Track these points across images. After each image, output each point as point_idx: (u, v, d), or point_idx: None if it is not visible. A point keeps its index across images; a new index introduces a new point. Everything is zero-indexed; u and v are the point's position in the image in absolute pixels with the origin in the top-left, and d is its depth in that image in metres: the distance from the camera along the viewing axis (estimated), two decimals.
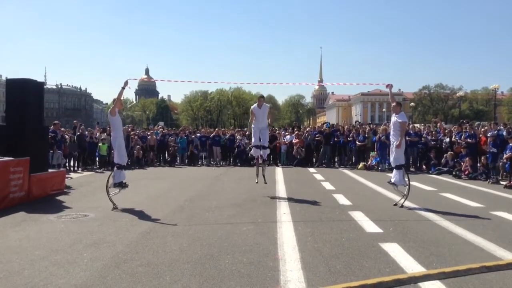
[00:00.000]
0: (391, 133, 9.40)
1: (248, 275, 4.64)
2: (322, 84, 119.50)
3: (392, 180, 9.16)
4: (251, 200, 9.73)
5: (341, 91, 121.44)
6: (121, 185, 8.72)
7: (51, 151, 14.59)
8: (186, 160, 20.82)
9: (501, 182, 12.98)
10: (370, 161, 18.33)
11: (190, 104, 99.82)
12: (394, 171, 9.22)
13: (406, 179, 8.94)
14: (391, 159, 9.31)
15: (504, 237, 6.37)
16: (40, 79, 14.62)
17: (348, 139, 19.19)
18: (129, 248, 5.72)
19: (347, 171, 17.18)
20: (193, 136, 21.44)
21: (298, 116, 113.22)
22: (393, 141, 9.14)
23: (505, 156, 13.25)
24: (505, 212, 8.33)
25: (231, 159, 20.80)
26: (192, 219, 7.67)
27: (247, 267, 4.88)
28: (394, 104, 9.29)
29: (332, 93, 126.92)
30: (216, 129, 23.48)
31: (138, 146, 19.49)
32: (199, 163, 21.00)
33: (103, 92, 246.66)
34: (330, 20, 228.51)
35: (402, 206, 8.88)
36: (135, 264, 5.00)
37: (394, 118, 9.11)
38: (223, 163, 20.72)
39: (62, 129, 20.46)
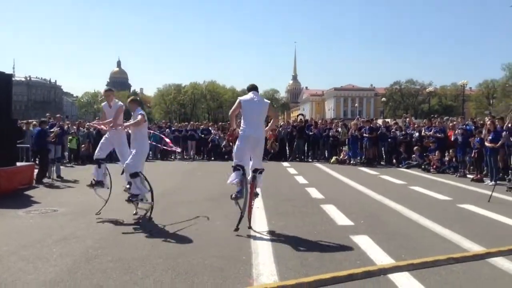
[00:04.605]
0: None
1: (221, 269, 4.65)
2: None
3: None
4: (224, 194, 9.63)
5: (314, 86, 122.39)
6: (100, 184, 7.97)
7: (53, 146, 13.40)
8: (159, 155, 20.62)
9: (468, 176, 13.36)
10: (342, 155, 18.59)
11: (163, 97, 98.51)
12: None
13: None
14: None
15: (470, 229, 6.57)
16: (8, 71, 14.18)
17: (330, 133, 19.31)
18: (100, 244, 5.64)
19: (320, 165, 17.37)
20: (166, 130, 21.23)
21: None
22: None
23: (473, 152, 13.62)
24: (471, 205, 8.59)
25: (205, 154, 20.71)
26: (165, 214, 7.61)
27: (220, 261, 4.89)
28: None
29: (306, 88, 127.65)
30: (191, 123, 23.32)
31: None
32: (172, 157, 20.84)
33: (74, 84, 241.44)
34: (304, 15, 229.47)
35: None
36: (105, 260, 4.94)
37: None
38: (197, 158, 20.62)
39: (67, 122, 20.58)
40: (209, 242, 5.71)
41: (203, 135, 20.59)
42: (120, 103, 7.76)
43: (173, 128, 22.10)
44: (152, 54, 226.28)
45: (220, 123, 26.13)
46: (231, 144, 20.49)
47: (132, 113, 7.37)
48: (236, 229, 6.21)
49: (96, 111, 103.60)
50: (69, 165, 17.30)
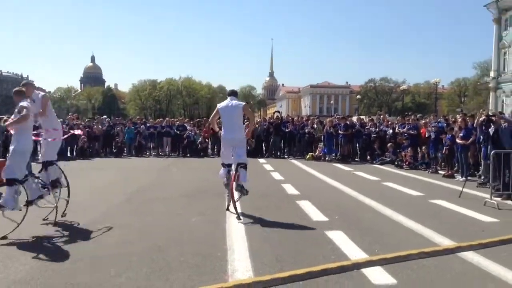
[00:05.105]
0: None
1: (196, 265, 4.63)
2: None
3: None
4: (200, 191, 9.69)
5: (291, 83, 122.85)
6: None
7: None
8: (134, 151, 20.36)
9: (440, 172, 13.66)
10: (318, 152, 18.75)
11: (138, 93, 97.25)
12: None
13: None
14: None
15: (441, 224, 6.72)
16: None
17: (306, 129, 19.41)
18: (72, 241, 5.54)
19: (295, 162, 17.47)
20: (141, 126, 20.97)
21: (249, 107, 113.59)
22: None
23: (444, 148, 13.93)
24: (443, 201, 8.78)
25: (181, 150, 20.54)
26: (140, 211, 7.53)
27: (195, 258, 4.86)
28: None
29: (283, 85, 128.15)
30: (167, 119, 23.09)
31: (83, 137, 18.83)
32: (147, 154, 20.61)
33: (46, 79, 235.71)
34: (281, 11, 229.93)
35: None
36: (77, 258, 4.85)
37: None
38: (173, 154, 20.45)
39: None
40: (184, 239, 5.68)
41: (178, 132, 20.41)
42: (42, 92, 6.78)
43: (148, 124, 21.85)
44: (127, 49, 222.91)
45: (196, 120, 25.93)
46: (206, 140, 20.43)
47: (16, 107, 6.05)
48: (227, 208, 7.32)
49: (69, 106, 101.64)
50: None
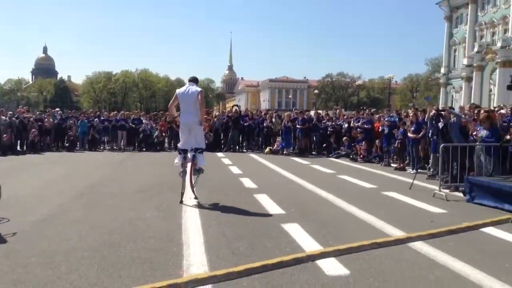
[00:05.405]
0: None
1: (150, 261, 4.55)
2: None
3: None
4: (156, 185, 9.54)
5: (250, 77, 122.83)
6: None
7: None
8: (87, 145, 19.77)
9: (392, 165, 14.10)
10: (276, 145, 18.90)
11: (92, 85, 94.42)
12: None
13: None
14: None
15: (392, 215, 6.94)
16: None
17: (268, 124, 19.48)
18: (22, 237, 5.31)
19: (254, 156, 17.53)
20: (95, 120, 20.38)
21: (208, 100, 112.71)
22: None
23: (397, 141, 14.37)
24: (394, 192, 9.07)
25: (136, 144, 20.14)
26: (93, 206, 7.33)
27: (149, 253, 4.79)
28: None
29: (242, 78, 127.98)
30: (122, 112, 22.56)
31: (33, 130, 18.13)
32: (101, 148, 20.07)
33: None
34: (240, 5, 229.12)
35: None
36: (27, 255, 4.66)
37: None
38: (128, 148, 20.02)
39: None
40: (138, 234, 5.57)
41: (134, 125, 20.00)
42: None
43: (102, 118, 21.25)
44: (81, 41, 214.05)
45: (152, 113, 25.48)
46: (163, 134, 20.12)
47: None
48: (180, 201, 7.36)
49: (19, 99, 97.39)
50: None
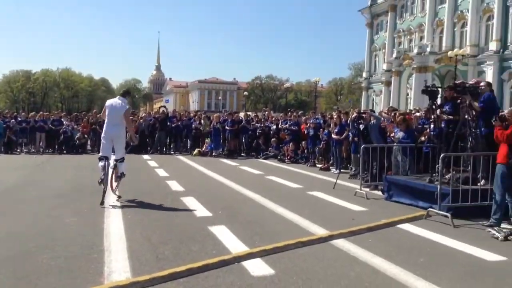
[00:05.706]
0: None
1: (69, 269, 4.33)
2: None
3: None
4: (77, 190, 9.08)
5: (179, 77, 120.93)
6: None
7: None
8: (3, 148, 18.38)
9: (317, 165, 14.54)
10: (204, 147, 18.77)
11: (9, 84, 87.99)
12: None
13: None
14: None
15: (317, 215, 7.15)
16: None
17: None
18: None
19: (182, 158, 17.27)
20: (12, 121, 18.99)
21: (134, 101, 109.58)
22: None
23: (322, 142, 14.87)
24: (319, 192, 9.36)
25: (56, 146, 19.05)
26: (7, 212, 6.85)
27: (68, 261, 4.54)
28: None
29: (170, 79, 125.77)
30: (41, 113, 21.24)
31: None
32: (18, 150, 18.77)
33: None
34: (169, 4, 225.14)
35: None
36: None
37: None
38: (47, 151, 18.88)
39: None
40: (56, 242, 5.26)
41: (53, 126, 18.90)
42: None
43: (19, 119, 19.83)
44: None
45: (74, 114, 24.27)
46: (85, 136, 19.22)
47: None
48: (101, 203, 7.33)
49: None
50: None
